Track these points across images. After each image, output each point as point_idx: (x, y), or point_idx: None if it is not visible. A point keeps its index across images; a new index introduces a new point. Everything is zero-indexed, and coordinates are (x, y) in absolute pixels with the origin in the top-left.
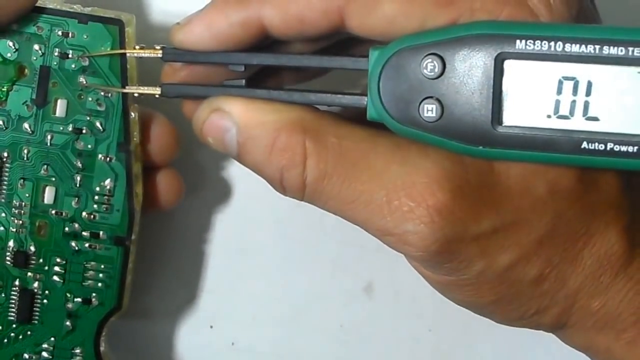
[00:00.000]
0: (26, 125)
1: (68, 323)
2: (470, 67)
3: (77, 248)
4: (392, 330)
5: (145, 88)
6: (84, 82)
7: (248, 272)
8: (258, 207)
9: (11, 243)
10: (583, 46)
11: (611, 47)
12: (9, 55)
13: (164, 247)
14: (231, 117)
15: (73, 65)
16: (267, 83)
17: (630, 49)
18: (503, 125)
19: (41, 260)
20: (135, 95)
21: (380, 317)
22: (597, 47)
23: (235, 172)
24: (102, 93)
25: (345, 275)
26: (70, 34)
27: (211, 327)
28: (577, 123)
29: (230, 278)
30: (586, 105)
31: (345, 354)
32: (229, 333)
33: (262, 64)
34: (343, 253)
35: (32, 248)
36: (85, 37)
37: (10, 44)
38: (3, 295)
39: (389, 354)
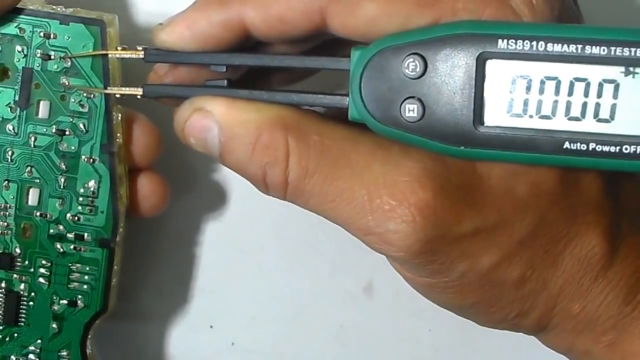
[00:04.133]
0: (10, 126)
1: (54, 325)
2: (452, 67)
3: (62, 250)
4: (392, 330)
5: (128, 89)
6: (67, 84)
7: (248, 272)
8: (258, 206)
9: None
10: (565, 46)
11: (593, 47)
12: None
13: (163, 247)
14: (213, 117)
15: (55, 67)
16: (254, 86)
17: (613, 48)
18: (484, 125)
19: (26, 262)
20: (118, 96)
21: (380, 317)
22: (580, 46)
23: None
24: (85, 94)
25: (345, 275)
26: (52, 35)
27: (211, 327)
28: (559, 123)
29: (230, 278)
30: (568, 106)
31: (345, 354)
32: (229, 333)
33: (244, 64)
34: (343, 253)
35: (18, 250)
36: (67, 38)
37: None
38: None
39: (389, 354)
